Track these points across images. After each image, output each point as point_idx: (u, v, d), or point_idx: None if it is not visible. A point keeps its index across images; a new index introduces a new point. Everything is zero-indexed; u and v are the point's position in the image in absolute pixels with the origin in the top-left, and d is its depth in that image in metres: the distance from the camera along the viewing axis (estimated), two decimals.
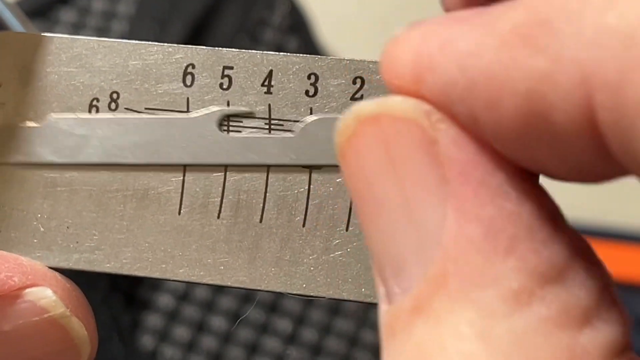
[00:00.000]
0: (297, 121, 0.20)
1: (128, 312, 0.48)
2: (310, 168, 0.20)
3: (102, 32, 0.53)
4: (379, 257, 0.15)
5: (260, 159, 0.20)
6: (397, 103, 0.15)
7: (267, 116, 0.20)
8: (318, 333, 0.48)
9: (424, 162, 0.14)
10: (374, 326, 0.48)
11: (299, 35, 0.53)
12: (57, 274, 0.20)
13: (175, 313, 0.49)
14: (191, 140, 0.20)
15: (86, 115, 0.20)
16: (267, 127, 0.20)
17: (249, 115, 0.20)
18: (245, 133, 0.20)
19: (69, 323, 0.19)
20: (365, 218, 0.15)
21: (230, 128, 0.20)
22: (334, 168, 0.19)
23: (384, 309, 0.15)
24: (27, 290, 0.19)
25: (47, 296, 0.19)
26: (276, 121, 0.20)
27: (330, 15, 0.56)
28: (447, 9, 0.17)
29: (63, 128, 0.20)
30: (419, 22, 0.15)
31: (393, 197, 0.15)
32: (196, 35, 0.52)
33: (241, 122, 0.20)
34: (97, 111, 0.21)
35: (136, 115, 0.20)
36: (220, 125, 0.20)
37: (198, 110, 0.20)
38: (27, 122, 0.21)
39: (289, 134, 0.20)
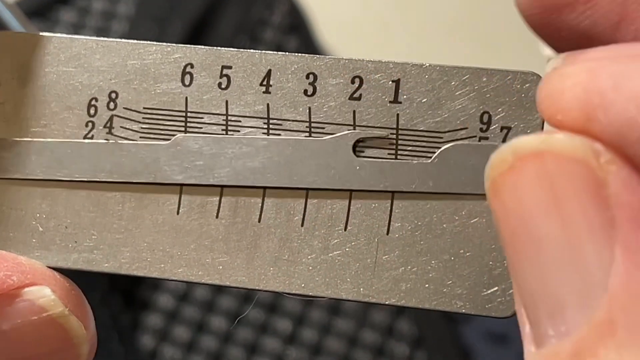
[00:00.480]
0: (435, 147, 0.19)
1: (127, 312, 0.48)
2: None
3: (102, 32, 0.53)
4: (532, 296, 0.14)
5: (396, 185, 0.19)
6: (563, 141, 0.14)
7: (394, 142, 0.19)
8: (318, 333, 0.48)
9: (590, 204, 0.14)
10: (373, 326, 0.48)
11: (299, 35, 0.53)
12: (56, 273, 0.20)
13: (175, 313, 0.49)
14: (324, 163, 0.19)
15: (216, 135, 0.20)
16: (395, 152, 0.19)
17: (382, 139, 0.19)
18: (380, 158, 0.19)
19: (67, 322, 0.19)
20: (518, 255, 0.15)
21: (363, 152, 0.20)
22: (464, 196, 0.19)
23: (532, 351, 0.14)
24: (26, 289, 0.19)
25: (45, 295, 0.19)
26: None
27: (330, 15, 0.56)
28: (524, 12, 0.17)
29: (193, 147, 0.20)
30: (578, 55, 0.15)
31: (555, 236, 0.14)
32: (196, 36, 0.52)
33: (372, 146, 0.19)
34: (96, 111, 0.21)
35: (264, 135, 0.20)
36: (354, 148, 0.20)
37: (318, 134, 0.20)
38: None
39: (425, 160, 0.19)
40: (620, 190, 0.14)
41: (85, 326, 0.19)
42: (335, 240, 0.20)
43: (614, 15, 0.17)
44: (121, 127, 0.20)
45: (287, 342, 0.48)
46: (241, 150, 0.20)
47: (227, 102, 0.20)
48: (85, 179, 0.20)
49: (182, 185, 0.20)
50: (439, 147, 0.19)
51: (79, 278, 0.20)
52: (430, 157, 0.19)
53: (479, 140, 0.19)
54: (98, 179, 0.20)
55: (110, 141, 0.20)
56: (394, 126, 0.19)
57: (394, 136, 0.20)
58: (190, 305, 0.49)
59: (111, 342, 0.47)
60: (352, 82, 0.20)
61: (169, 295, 0.49)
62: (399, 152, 0.19)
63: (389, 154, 0.20)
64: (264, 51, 0.20)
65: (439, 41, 0.54)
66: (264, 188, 0.20)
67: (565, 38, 0.18)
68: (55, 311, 0.19)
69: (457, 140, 0.19)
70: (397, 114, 0.19)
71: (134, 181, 0.20)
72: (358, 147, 0.20)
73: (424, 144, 0.19)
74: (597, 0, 0.17)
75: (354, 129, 0.20)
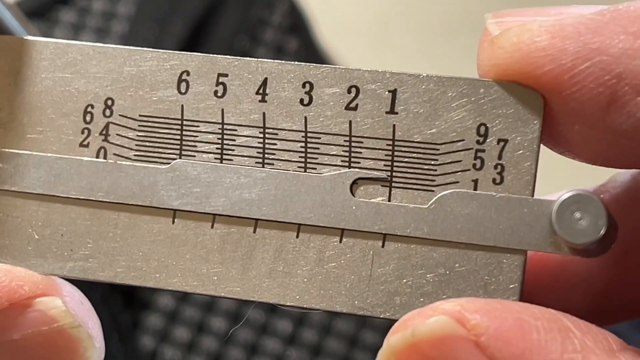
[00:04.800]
0: (428, 190, 0.19)
1: (128, 312, 0.48)
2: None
3: (102, 32, 0.53)
4: None
5: (391, 229, 0.19)
6: (430, 325, 0.16)
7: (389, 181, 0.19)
8: (318, 334, 0.48)
9: None
10: (374, 327, 0.48)
11: (299, 35, 0.53)
12: (67, 284, 0.20)
13: (175, 313, 0.49)
14: (320, 200, 0.19)
15: (214, 163, 0.20)
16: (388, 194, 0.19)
17: (380, 180, 0.19)
18: (376, 199, 0.19)
19: (77, 333, 0.19)
20: None
21: (360, 192, 0.19)
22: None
23: None
24: (38, 299, 0.19)
25: (57, 306, 0.19)
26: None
27: (330, 15, 0.56)
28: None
29: (192, 174, 0.20)
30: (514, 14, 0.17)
31: None
32: (196, 36, 0.52)
33: (369, 187, 0.19)
34: (92, 118, 0.20)
35: (261, 167, 0.20)
36: (350, 188, 0.19)
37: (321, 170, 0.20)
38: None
39: (421, 205, 0.19)
40: (497, 345, 0.15)
41: (95, 338, 0.19)
42: (331, 252, 0.19)
43: (604, 98, 0.17)
44: (117, 134, 0.20)
45: (287, 343, 0.48)
46: (239, 181, 0.20)
47: (222, 110, 0.20)
48: (82, 197, 0.20)
49: (176, 210, 0.20)
50: (434, 181, 0.19)
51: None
52: (426, 191, 0.19)
53: (476, 153, 0.19)
54: (95, 199, 0.20)
55: (110, 161, 0.20)
56: (390, 137, 0.19)
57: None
58: (190, 305, 0.49)
59: (111, 342, 0.47)
60: (349, 91, 0.20)
61: (169, 296, 0.49)
62: (394, 183, 0.19)
63: (382, 185, 0.19)
64: (260, 59, 0.20)
65: (438, 42, 0.54)
66: (257, 220, 0.20)
67: (551, 116, 0.18)
68: (66, 322, 0.19)
69: (453, 152, 0.19)
70: (394, 125, 0.19)
71: (131, 203, 0.20)
72: (355, 181, 0.19)
73: (420, 179, 0.19)
74: (584, 83, 0.17)
75: (350, 139, 0.20)
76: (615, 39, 0.17)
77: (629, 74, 0.16)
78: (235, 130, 0.20)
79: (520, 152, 0.19)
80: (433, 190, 0.19)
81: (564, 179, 0.30)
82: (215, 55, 0.20)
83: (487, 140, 0.19)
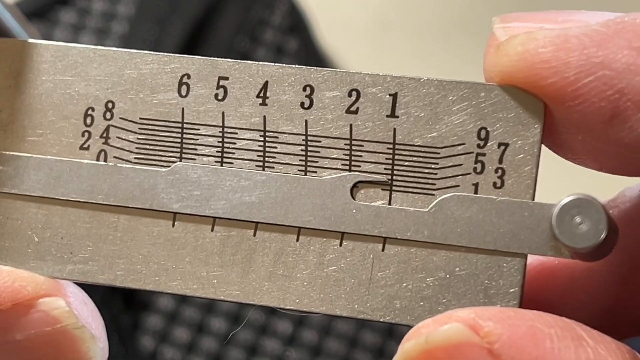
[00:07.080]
0: (428, 194, 0.19)
1: (128, 313, 0.48)
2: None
3: (102, 33, 0.53)
4: None
5: (391, 232, 0.19)
6: (444, 332, 0.16)
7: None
8: (318, 334, 0.48)
9: None
10: (373, 327, 0.48)
11: (299, 36, 0.53)
12: (71, 284, 0.20)
13: (175, 314, 0.49)
14: (321, 203, 0.19)
15: (215, 166, 0.20)
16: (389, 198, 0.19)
17: (381, 184, 0.19)
18: (376, 203, 0.19)
19: (81, 334, 0.19)
20: None
21: (360, 195, 0.19)
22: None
23: None
24: (41, 300, 0.19)
25: (60, 306, 0.19)
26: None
27: (330, 15, 0.56)
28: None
29: (192, 177, 0.20)
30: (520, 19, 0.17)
31: None
32: (196, 36, 0.52)
33: (370, 190, 0.19)
34: (93, 121, 0.20)
35: (262, 170, 0.20)
36: (351, 191, 0.19)
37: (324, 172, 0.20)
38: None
39: (422, 209, 0.19)
40: (510, 352, 0.15)
41: (98, 338, 0.19)
42: (331, 256, 0.19)
43: (606, 112, 0.17)
44: (117, 137, 0.20)
45: (287, 343, 0.48)
46: (239, 184, 0.20)
47: (223, 113, 0.20)
48: (82, 200, 0.20)
49: (176, 213, 0.20)
50: (435, 185, 0.19)
51: None
52: (426, 195, 0.19)
53: (476, 157, 0.19)
54: (95, 201, 0.20)
55: (110, 163, 0.20)
56: (391, 141, 0.19)
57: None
58: (190, 306, 0.49)
59: (111, 342, 0.47)
60: (349, 95, 0.20)
61: (169, 297, 0.49)
62: (395, 185, 0.19)
63: (383, 189, 0.19)
64: (260, 62, 0.20)
65: (438, 42, 0.54)
66: (257, 223, 0.20)
67: (555, 124, 0.18)
68: (69, 322, 0.19)
69: (454, 155, 0.19)
70: (394, 129, 0.19)
71: (131, 206, 0.20)
72: (355, 185, 0.19)
73: (420, 183, 0.19)
74: (587, 97, 0.17)
75: (351, 143, 0.20)
76: (619, 53, 0.17)
77: (631, 90, 0.17)
78: (236, 133, 0.20)
79: (521, 156, 0.19)
80: (433, 194, 0.19)
81: (565, 183, 0.30)
82: (216, 59, 0.20)
83: (488, 144, 0.19)
